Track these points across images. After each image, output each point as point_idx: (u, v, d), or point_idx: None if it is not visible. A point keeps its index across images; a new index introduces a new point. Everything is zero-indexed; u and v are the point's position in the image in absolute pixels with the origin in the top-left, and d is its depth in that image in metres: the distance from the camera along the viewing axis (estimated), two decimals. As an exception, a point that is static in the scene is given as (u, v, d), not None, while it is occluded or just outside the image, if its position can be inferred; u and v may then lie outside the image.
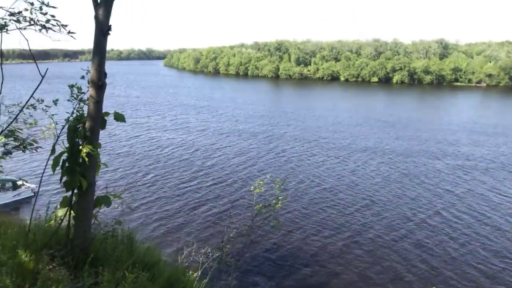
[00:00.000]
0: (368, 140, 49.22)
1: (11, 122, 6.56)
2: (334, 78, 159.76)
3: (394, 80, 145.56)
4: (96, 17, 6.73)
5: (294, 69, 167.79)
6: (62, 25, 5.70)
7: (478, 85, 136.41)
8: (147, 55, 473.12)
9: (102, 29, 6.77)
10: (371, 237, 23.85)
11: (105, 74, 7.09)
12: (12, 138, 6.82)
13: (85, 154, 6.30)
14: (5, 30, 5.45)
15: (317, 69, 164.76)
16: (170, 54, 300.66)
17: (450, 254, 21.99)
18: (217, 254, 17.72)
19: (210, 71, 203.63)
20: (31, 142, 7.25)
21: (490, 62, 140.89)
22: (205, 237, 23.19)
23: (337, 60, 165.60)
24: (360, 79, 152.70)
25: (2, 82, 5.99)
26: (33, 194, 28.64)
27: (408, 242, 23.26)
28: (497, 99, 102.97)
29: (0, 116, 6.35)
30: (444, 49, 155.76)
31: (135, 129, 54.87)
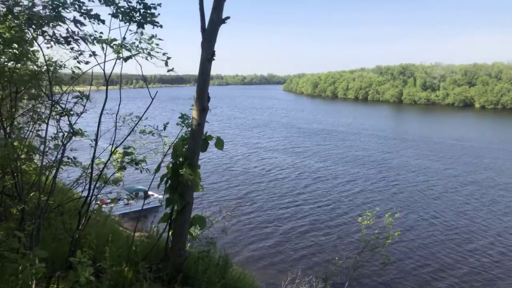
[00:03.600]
0: (504, 174, 42.31)
1: (127, 136, 7.20)
2: (467, 105, 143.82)
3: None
4: (202, 43, 7.05)
5: (419, 94, 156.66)
6: (164, 53, 6.16)
7: None
8: (268, 80, 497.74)
9: (207, 55, 7.05)
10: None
11: (208, 98, 7.35)
12: (128, 154, 7.41)
13: (188, 173, 6.52)
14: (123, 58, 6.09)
15: (447, 94, 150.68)
16: (289, 79, 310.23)
17: None
18: (320, 286, 16.91)
19: (328, 96, 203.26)
20: (143, 159, 7.79)
21: None
22: (308, 267, 22.40)
23: (471, 85, 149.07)
24: (499, 106, 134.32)
25: (119, 103, 6.63)
26: (160, 204, 31.69)
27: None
28: None
29: (116, 131, 7.01)
30: None
31: (243, 149, 57.18)
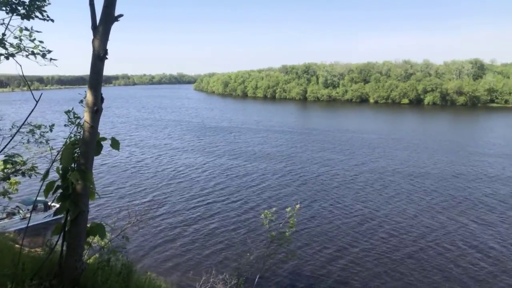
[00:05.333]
0: (393, 161, 47.54)
1: (6, 145, 6.49)
2: (363, 100, 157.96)
3: (426, 102, 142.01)
4: (93, 40, 6.65)
5: (322, 92, 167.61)
6: (48, 51, 5.66)
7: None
8: (178, 80, 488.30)
9: (99, 53, 6.67)
10: (401, 259, 22.47)
11: (102, 99, 6.95)
12: (11, 163, 6.69)
13: (74, 181, 6.08)
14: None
15: (346, 91, 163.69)
16: (200, 78, 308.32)
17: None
18: (234, 282, 17.16)
19: (238, 95, 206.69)
20: (32, 167, 7.10)
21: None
22: (221, 265, 22.61)
23: (366, 82, 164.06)
24: (390, 100, 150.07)
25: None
26: (62, 215, 29.12)
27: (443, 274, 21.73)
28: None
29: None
30: (479, 70, 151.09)
31: (153, 150, 55.73)
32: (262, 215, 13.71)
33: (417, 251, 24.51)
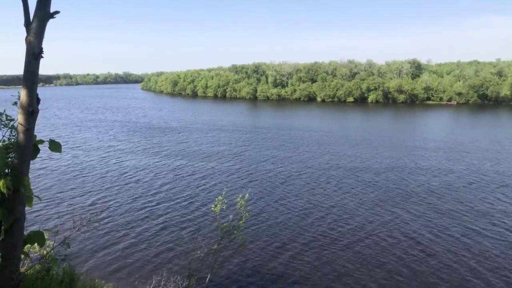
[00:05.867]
0: (338, 157, 49.47)
1: None
2: (311, 99, 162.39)
3: (369, 100, 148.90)
4: (26, 38, 6.33)
5: (271, 91, 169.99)
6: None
7: (448, 103, 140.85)
8: (124, 79, 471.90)
9: (34, 52, 6.36)
10: (341, 250, 23.47)
11: (38, 100, 6.63)
12: None
13: (5, 187, 5.74)
14: None
15: (294, 91, 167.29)
16: (147, 78, 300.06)
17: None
18: (186, 283, 16.97)
19: (188, 94, 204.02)
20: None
21: (460, 81, 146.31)
22: (172, 265, 22.28)
23: (313, 81, 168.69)
24: (336, 99, 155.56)
25: None
26: None
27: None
28: (467, 116, 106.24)
29: None
30: (417, 69, 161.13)
31: (98, 153, 53.65)
32: (214, 202, 13.79)
33: (356, 242, 25.73)
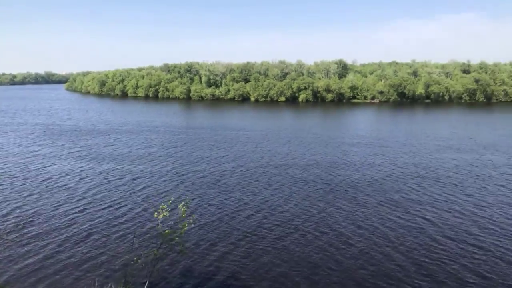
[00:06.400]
0: (274, 155, 51.01)
1: None
2: (245, 99, 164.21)
3: (300, 99, 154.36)
4: None
5: (205, 91, 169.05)
6: None
7: (372, 101, 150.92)
8: (46, 79, 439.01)
9: None
10: (269, 246, 24.41)
11: None
12: None
13: None
14: None
15: (228, 90, 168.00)
16: (72, 78, 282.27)
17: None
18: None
19: (117, 94, 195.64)
20: None
21: (381, 80, 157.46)
22: (106, 274, 21.52)
23: (247, 81, 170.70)
24: (269, 99, 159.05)
25: None
26: None
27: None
28: (388, 113, 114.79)
29: None
30: (343, 69, 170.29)
31: (15, 159, 49.78)
32: (155, 214, 13.65)
33: (285, 237, 26.97)
